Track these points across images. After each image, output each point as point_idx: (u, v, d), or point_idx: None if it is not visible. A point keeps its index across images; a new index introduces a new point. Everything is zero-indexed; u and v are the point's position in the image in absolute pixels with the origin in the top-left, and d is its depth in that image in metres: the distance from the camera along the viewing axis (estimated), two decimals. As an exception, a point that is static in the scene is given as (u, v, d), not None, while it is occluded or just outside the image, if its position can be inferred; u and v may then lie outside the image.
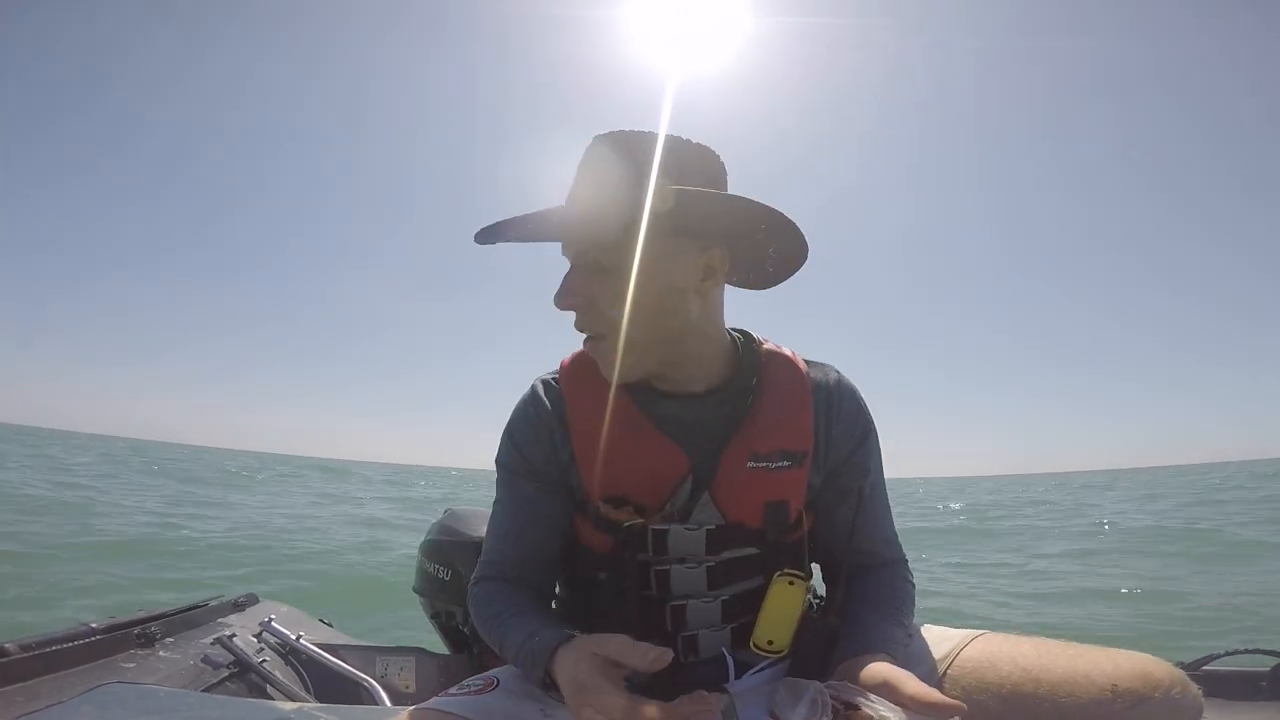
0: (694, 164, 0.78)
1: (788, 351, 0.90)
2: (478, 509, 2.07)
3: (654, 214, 0.72)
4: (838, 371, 0.91)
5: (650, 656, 0.64)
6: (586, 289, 0.77)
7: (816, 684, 0.72)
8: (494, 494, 0.91)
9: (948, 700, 0.62)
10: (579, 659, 0.67)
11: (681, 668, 0.83)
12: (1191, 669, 1.35)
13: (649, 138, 0.77)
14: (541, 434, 0.87)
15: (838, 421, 0.87)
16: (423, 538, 2.02)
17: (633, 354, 0.78)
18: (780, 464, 0.83)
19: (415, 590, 2.01)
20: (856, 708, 0.66)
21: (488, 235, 0.78)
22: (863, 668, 0.71)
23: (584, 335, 0.81)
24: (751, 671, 0.84)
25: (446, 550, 1.89)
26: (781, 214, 0.76)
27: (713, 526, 0.82)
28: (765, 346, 0.90)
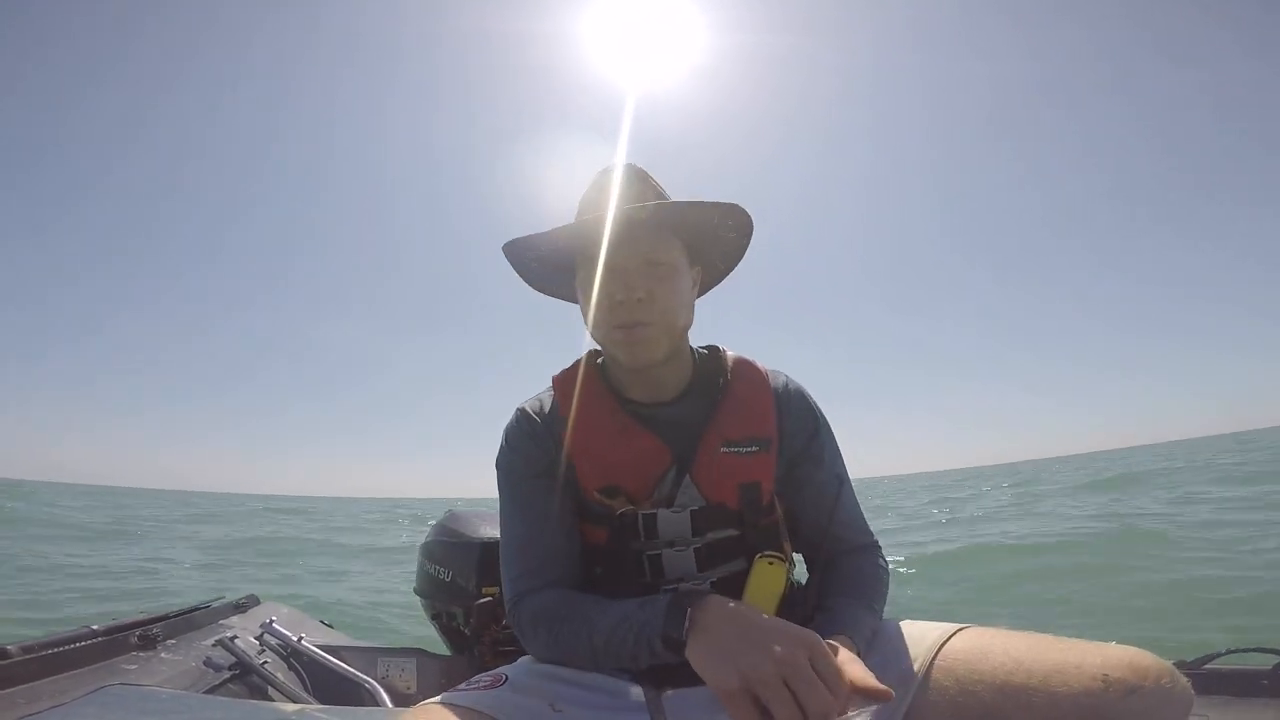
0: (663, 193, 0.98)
1: (749, 358, 1.05)
2: (479, 510, 2.08)
3: (678, 227, 0.92)
4: (786, 375, 1.05)
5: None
6: (646, 285, 0.90)
7: None
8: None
9: (878, 686, 0.65)
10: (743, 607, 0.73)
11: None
12: (1193, 667, 1.35)
13: (642, 171, 0.97)
14: (538, 434, 0.98)
15: (789, 417, 1.00)
16: (423, 539, 2.03)
17: (665, 340, 0.92)
18: (750, 448, 0.95)
19: (416, 592, 2.02)
20: None
21: (515, 247, 0.94)
22: None
23: (629, 325, 0.91)
24: None
25: (447, 551, 1.90)
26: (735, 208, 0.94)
27: (695, 508, 0.92)
28: (730, 354, 1.05)
